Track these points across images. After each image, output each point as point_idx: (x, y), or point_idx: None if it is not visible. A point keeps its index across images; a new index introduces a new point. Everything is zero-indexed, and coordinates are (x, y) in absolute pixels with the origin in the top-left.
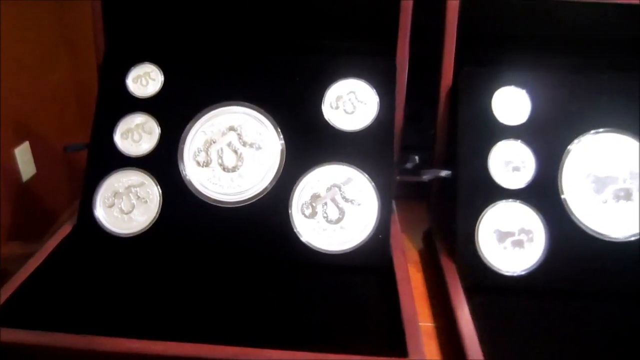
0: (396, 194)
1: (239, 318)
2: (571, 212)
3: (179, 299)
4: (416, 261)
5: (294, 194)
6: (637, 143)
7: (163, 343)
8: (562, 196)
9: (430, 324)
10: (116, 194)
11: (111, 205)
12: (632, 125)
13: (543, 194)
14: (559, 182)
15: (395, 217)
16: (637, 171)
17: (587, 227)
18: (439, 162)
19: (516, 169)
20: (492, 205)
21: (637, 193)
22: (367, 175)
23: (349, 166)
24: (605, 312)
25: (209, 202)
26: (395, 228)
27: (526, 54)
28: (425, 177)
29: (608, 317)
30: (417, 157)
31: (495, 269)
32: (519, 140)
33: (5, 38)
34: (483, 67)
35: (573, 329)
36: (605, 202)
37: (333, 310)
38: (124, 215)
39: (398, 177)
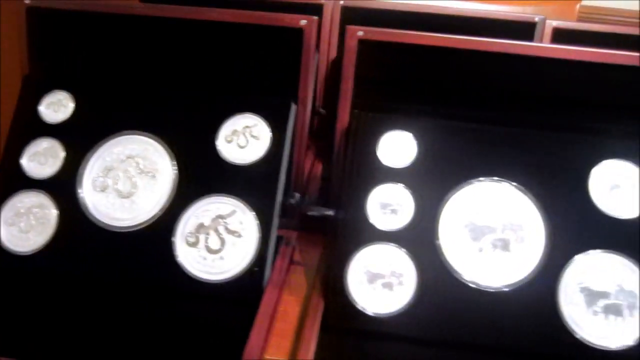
0: (303, 226)
1: (98, 341)
2: (445, 258)
3: (58, 320)
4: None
5: (179, 222)
6: (520, 194)
7: None
8: (437, 242)
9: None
10: (17, 214)
11: (12, 224)
12: (518, 177)
13: (418, 238)
14: (435, 228)
15: (288, 251)
16: (516, 222)
17: (459, 274)
18: (332, 201)
19: (394, 212)
20: (365, 246)
21: (514, 244)
22: (250, 208)
23: (235, 198)
24: None
25: (101, 225)
26: (282, 262)
27: (424, 102)
28: (311, 213)
29: None
30: (297, 194)
31: (360, 309)
32: (401, 184)
33: None
34: (378, 112)
35: None
36: (481, 250)
37: (182, 339)
38: (22, 235)
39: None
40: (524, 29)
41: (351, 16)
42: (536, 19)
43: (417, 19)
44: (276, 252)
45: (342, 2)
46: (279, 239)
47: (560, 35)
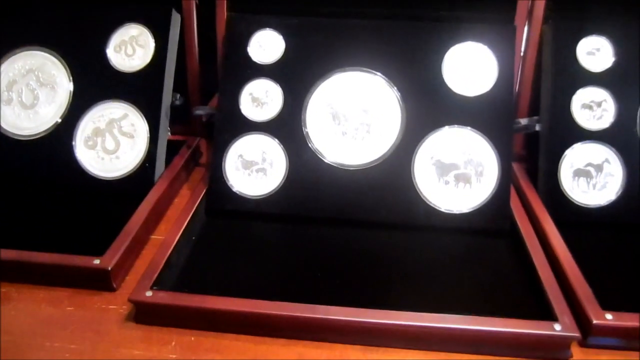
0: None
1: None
2: (312, 144)
3: None
4: None
5: (78, 128)
6: (379, 80)
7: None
8: (305, 129)
9: None
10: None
11: None
12: (376, 66)
13: (287, 127)
14: (303, 117)
15: (188, 153)
16: (376, 107)
17: (324, 157)
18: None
19: (264, 104)
20: (240, 136)
21: (375, 127)
22: (139, 111)
23: (126, 103)
24: (350, 245)
25: (8, 135)
26: (180, 161)
27: (291, 2)
28: (197, 112)
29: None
30: (178, 95)
31: (236, 192)
32: (270, 79)
33: None
34: (248, 13)
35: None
36: (345, 134)
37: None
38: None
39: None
40: None
41: None
42: None
43: None
44: (177, 154)
45: None
46: (180, 143)
47: None
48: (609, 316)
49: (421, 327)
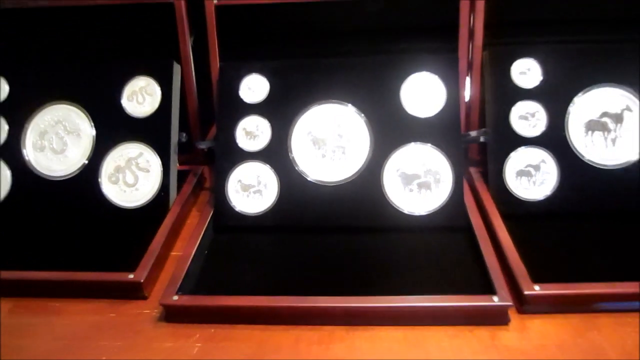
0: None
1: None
2: (297, 166)
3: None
4: None
5: (102, 167)
6: (349, 110)
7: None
8: (291, 155)
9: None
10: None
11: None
12: (346, 97)
13: (276, 154)
14: (288, 144)
15: (194, 180)
16: (347, 132)
17: (308, 176)
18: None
19: (256, 136)
20: (238, 164)
21: (348, 148)
22: (152, 149)
23: (141, 143)
24: (333, 247)
25: (42, 176)
26: (188, 188)
27: (272, 49)
28: (200, 146)
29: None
30: (184, 134)
31: (238, 211)
32: (259, 115)
33: None
34: (238, 61)
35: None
36: (324, 156)
37: (113, 248)
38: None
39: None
40: None
41: None
42: None
43: None
44: (184, 182)
45: None
46: (186, 172)
47: None
48: (537, 287)
49: (391, 307)
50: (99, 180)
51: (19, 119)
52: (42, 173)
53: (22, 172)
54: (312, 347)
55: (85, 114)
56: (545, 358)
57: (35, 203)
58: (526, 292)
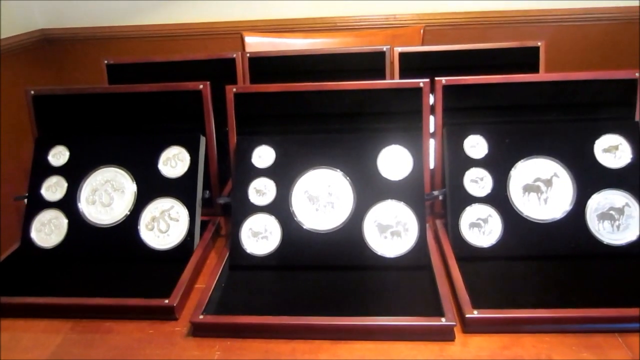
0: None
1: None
2: (296, 217)
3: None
4: None
5: (141, 217)
6: (337, 173)
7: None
8: (291, 208)
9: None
10: (42, 224)
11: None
12: (335, 163)
13: (280, 208)
14: (290, 200)
15: (213, 228)
16: (336, 190)
17: (304, 225)
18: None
19: (264, 194)
20: (249, 216)
21: (337, 203)
22: (182, 204)
23: (172, 198)
24: (323, 280)
25: (92, 225)
26: (208, 235)
27: (278, 126)
28: (219, 201)
29: (321, 284)
30: (207, 192)
31: (249, 253)
32: (267, 178)
33: None
34: (250, 135)
35: (284, 287)
36: (317, 210)
37: (146, 284)
38: (45, 236)
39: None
40: (378, 57)
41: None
42: (384, 49)
43: (302, 60)
44: (205, 229)
45: (248, 54)
46: (207, 222)
47: (406, 58)
48: (476, 312)
49: (365, 325)
50: (138, 228)
51: (76, 179)
52: (92, 222)
53: (77, 221)
54: (305, 356)
55: (129, 175)
56: None
57: (87, 246)
58: (467, 315)
